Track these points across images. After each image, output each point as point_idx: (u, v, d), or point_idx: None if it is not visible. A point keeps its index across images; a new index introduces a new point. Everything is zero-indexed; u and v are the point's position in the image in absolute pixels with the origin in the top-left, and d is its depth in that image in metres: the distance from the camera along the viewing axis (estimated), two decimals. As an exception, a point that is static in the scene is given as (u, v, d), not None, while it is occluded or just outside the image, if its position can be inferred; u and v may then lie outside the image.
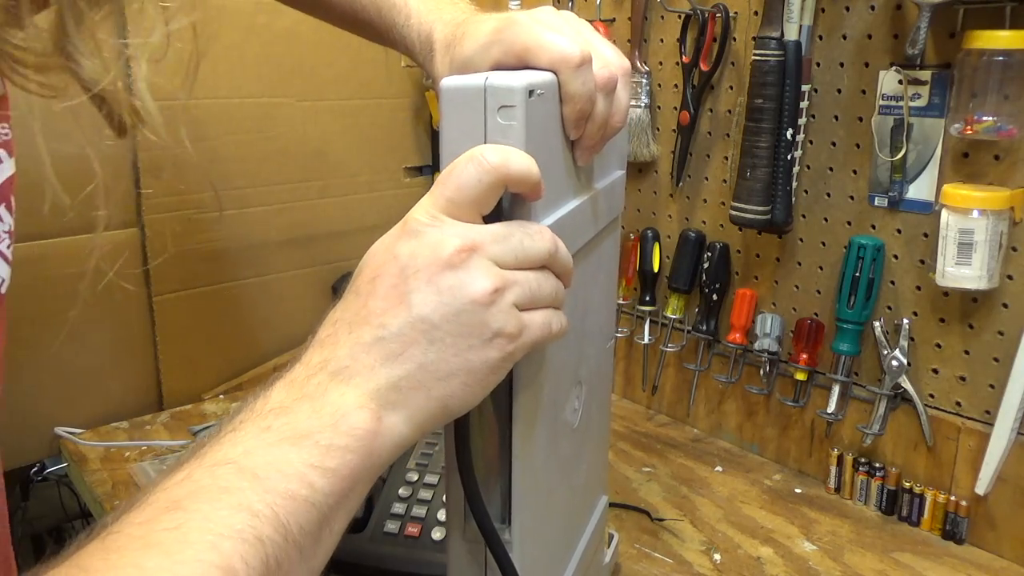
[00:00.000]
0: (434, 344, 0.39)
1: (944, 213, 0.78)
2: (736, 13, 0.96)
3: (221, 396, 1.17)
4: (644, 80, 1.06)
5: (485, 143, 0.42)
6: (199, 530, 0.32)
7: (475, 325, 0.40)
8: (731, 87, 0.99)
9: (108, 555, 0.31)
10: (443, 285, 0.39)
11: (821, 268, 0.94)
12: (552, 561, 0.58)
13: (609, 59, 0.52)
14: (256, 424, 0.37)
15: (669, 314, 1.06)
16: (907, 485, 0.87)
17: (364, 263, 0.42)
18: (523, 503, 0.49)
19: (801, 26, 0.87)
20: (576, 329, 0.57)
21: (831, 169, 0.91)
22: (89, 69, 0.41)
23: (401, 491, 0.80)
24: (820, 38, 0.89)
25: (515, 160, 0.41)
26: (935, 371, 0.86)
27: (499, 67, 0.50)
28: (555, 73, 0.48)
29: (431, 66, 0.61)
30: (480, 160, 0.40)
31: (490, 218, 0.43)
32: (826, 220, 0.92)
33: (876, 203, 0.87)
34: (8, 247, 0.50)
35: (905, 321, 0.86)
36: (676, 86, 1.05)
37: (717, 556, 0.82)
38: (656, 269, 1.08)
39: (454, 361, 0.40)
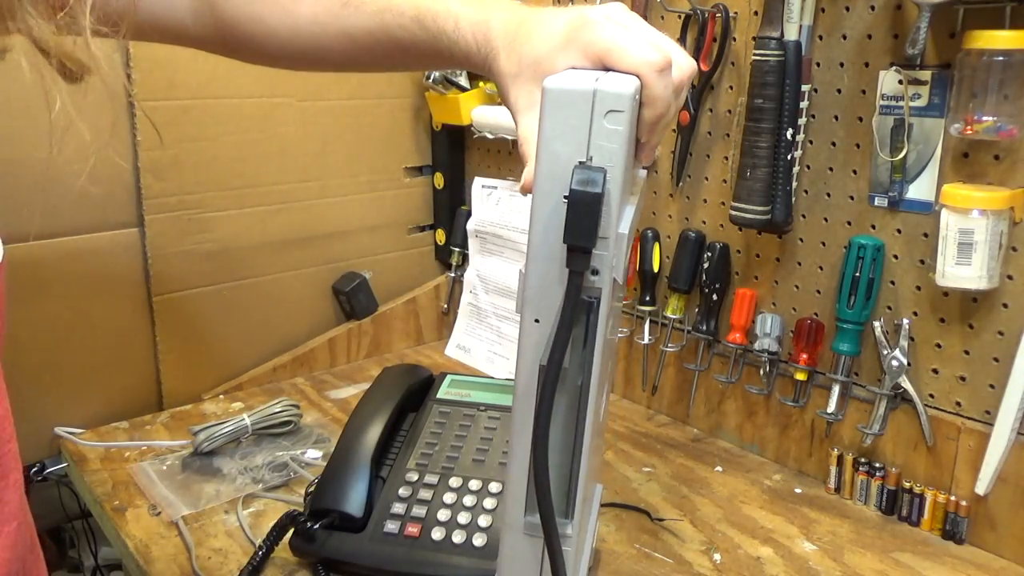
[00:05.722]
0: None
1: (944, 213, 0.78)
2: (736, 13, 0.96)
3: (221, 396, 1.17)
4: (644, 80, 1.06)
5: (588, 145, 0.44)
6: None
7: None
8: (731, 87, 0.99)
9: None
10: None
11: (821, 268, 0.94)
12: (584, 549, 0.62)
13: (680, 62, 0.52)
14: None
15: (669, 314, 1.07)
16: (907, 485, 0.87)
17: None
18: (580, 497, 0.51)
19: (801, 26, 0.87)
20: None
21: (831, 169, 0.91)
22: (39, 29, 0.44)
23: (401, 491, 0.80)
24: (820, 38, 0.89)
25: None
26: (935, 371, 0.86)
27: (574, 67, 0.50)
28: (638, 76, 0.48)
29: (494, 64, 0.58)
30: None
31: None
32: (826, 220, 0.92)
33: (876, 203, 0.87)
34: None
35: (905, 321, 0.86)
36: (676, 86, 1.05)
37: (717, 556, 0.82)
38: (656, 269, 1.08)
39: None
